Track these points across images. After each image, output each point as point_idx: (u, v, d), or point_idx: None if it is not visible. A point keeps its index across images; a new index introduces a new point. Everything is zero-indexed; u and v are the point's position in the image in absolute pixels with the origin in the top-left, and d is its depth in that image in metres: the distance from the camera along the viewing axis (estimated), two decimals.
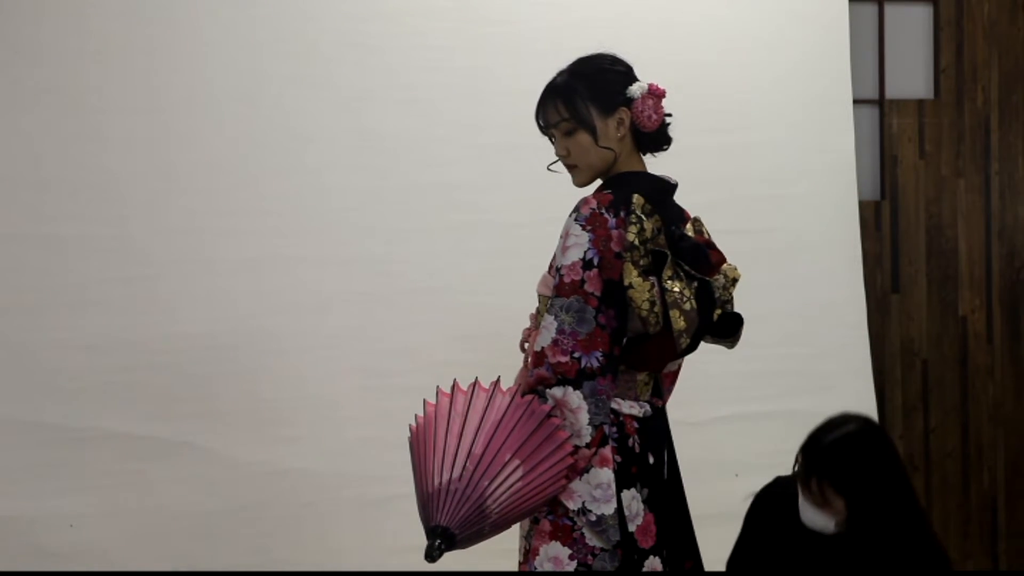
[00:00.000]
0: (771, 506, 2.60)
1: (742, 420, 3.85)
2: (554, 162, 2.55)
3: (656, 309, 2.36)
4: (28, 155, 3.45)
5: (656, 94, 2.48)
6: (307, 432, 3.55)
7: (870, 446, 2.41)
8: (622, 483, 2.35)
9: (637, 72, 2.53)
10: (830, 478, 2.39)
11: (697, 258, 2.42)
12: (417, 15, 3.69)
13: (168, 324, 3.49)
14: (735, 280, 2.58)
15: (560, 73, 2.52)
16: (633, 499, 2.36)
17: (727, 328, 2.58)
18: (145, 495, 3.44)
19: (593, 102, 2.45)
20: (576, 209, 2.39)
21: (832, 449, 2.41)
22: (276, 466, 3.53)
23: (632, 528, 2.35)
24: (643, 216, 2.37)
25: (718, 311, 2.54)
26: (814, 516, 2.45)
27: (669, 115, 2.52)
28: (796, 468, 2.48)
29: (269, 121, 3.59)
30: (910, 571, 2.40)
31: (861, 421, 2.45)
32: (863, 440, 2.42)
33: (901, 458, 2.46)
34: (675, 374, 2.62)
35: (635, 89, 2.47)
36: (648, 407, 2.47)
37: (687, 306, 2.38)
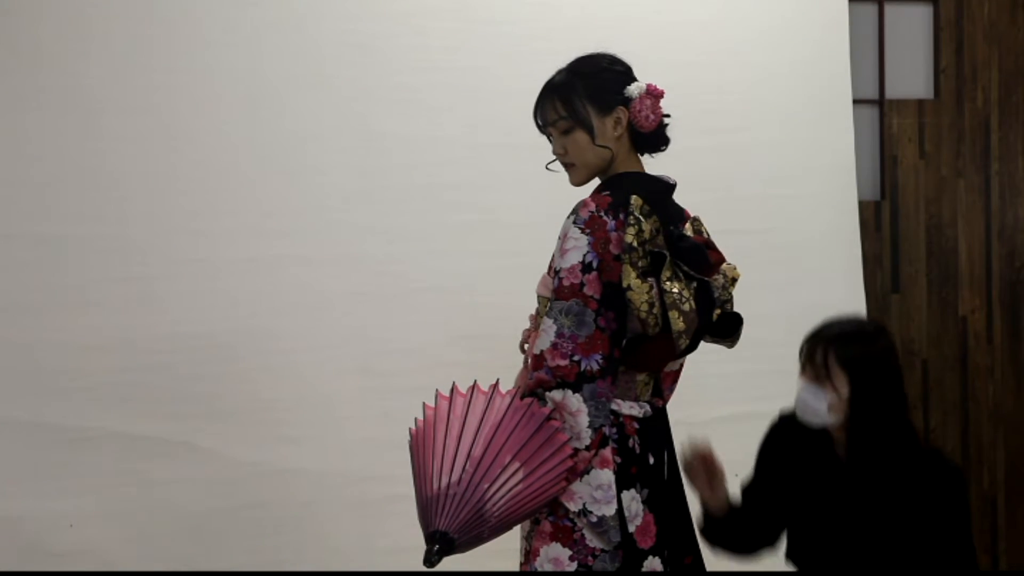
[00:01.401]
0: (780, 436, 2.60)
1: (742, 420, 3.79)
2: (552, 161, 2.55)
3: (655, 310, 2.36)
4: (28, 155, 3.45)
5: (654, 94, 2.48)
6: (307, 432, 3.55)
7: (880, 337, 2.44)
8: (622, 484, 2.35)
9: (636, 72, 2.53)
10: (836, 349, 2.38)
11: (696, 258, 2.42)
12: (417, 15, 3.69)
13: (168, 324, 3.49)
14: (734, 280, 2.59)
15: (559, 72, 2.52)
16: (633, 500, 2.36)
17: (727, 328, 2.59)
18: (145, 495, 3.44)
19: (591, 101, 2.45)
20: (575, 212, 2.38)
21: (844, 330, 2.43)
22: (276, 466, 3.53)
23: (632, 528, 2.35)
24: (641, 217, 2.37)
25: (717, 311, 2.54)
26: (810, 397, 2.41)
27: (668, 116, 2.52)
28: (800, 357, 2.47)
29: (269, 121, 3.59)
30: (915, 480, 2.40)
31: (873, 320, 2.49)
32: (875, 330, 2.46)
33: (900, 365, 2.48)
34: (676, 374, 2.62)
35: (633, 89, 2.47)
36: (648, 407, 2.47)
37: (686, 307, 2.38)
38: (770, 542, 2.59)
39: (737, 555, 2.62)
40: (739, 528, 2.57)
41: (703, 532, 2.59)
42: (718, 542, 2.60)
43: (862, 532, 2.42)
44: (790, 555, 2.56)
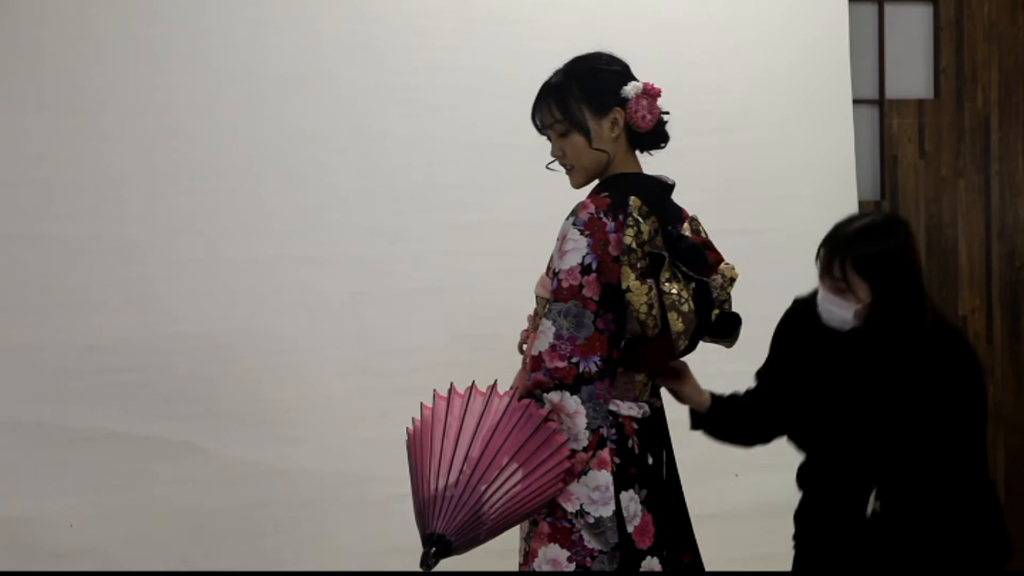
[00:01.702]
0: (795, 322, 2.62)
1: None
2: (552, 161, 2.55)
3: (654, 312, 2.36)
4: (28, 155, 3.45)
5: (651, 93, 2.47)
6: (307, 432, 3.56)
7: (894, 231, 2.44)
8: (620, 484, 2.35)
9: (636, 72, 2.52)
10: (854, 259, 2.40)
11: (695, 259, 2.42)
12: (418, 15, 3.69)
13: (168, 324, 3.49)
14: (733, 280, 2.58)
15: (555, 73, 2.51)
16: (631, 500, 2.36)
17: (725, 328, 2.58)
18: (145, 495, 3.45)
19: (586, 103, 2.44)
20: (574, 213, 2.38)
21: (857, 232, 2.43)
22: (276, 466, 3.53)
23: (630, 529, 2.35)
24: (640, 219, 2.36)
25: (716, 311, 2.53)
26: (834, 307, 2.45)
27: (666, 113, 2.51)
28: (817, 262, 2.48)
29: (269, 121, 3.60)
30: (935, 366, 2.43)
31: (885, 213, 2.50)
32: (888, 226, 2.46)
33: (919, 254, 2.50)
34: None
35: (629, 89, 2.46)
36: (647, 408, 2.47)
37: (685, 308, 2.38)
38: (785, 429, 2.63)
39: (748, 446, 2.68)
40: (748, 417, 2.62)
41: (700, 428, 2.64)
42: (726, 437, 2.66)
43: (873, 417, 2.45)
44: (793, 437, 2.61)
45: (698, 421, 2.66)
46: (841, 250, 2.42)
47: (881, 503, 2.46)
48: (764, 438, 2.67)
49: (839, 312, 2.45)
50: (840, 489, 2.52)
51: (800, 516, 2.64)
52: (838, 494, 2.52)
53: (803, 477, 2.61)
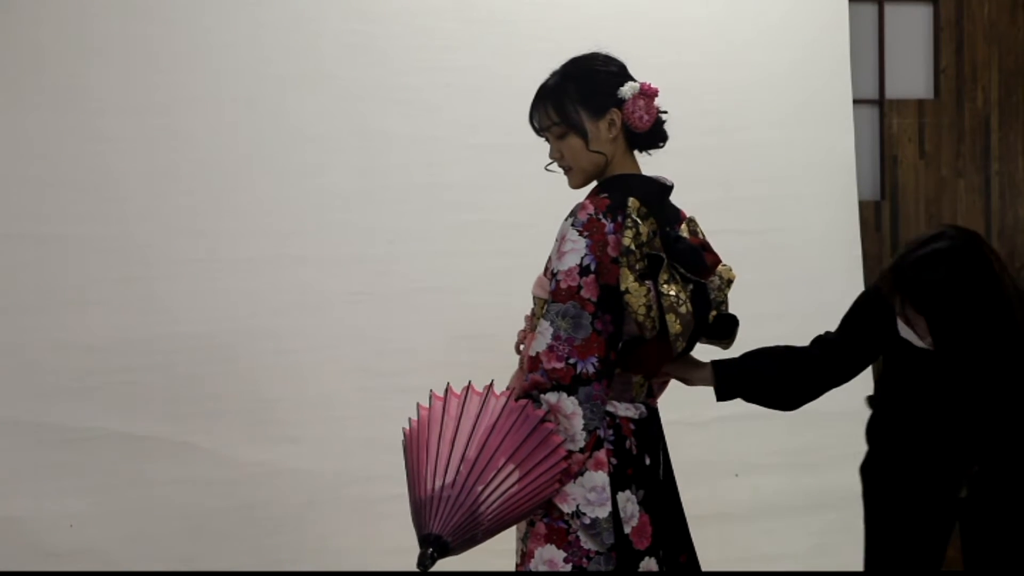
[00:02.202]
0: (876, 307, 2.56)
1: (742, 420, 3.81)
2: (551, 162, 2.55)
3: (652, 313, 2.35)
4: (28, 155, 3.46)
5: (648, 94, 2.46)
6: (307, 432, 3.56)
7: (955, 264, 2.34)
8: (618, 485, 2.34)
9: (636, 72, 2.52)
10: (910, 296, 2.37)
11: (693, 261, 2.41)
12: (417, 15, 3.70)
13: (168, 324, 3.50)
14: (730, 281, 2.58)
15: (552, 75, 2.50)
16: (628, 501, 2.36)
17: (723, 329, 2.58)
18: (145, 495, 3.45)
19: (583, 105, 2.44)
20: (573, 214, 2.38)
21: (914, 266, 2.37)
22: (276, 466, 3.53)
23: (627, 530, 2.35)
24: (639, 220, 2.36)
25: (713, 313, 2.53)
26: (908, 334, 2.46)
27: (665, 112, 2.50)
28: (885, 285, 2.45)
29: (269, 121, 3.60)
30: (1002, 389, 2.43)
31: (955, 238, 2.38)
32: (948, 258, 2.35)
33: (997, 273, 2.37)
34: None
35: (626, 90, 2.45)
36: (644, 408, 2.47)
37: (683, 309, 2.37)
38: (833, 384, 2.63)
39: (790, 408, 2.65)
40: (801, 378, 2.59)
41: (730, 398, 2.61)
42: (767, 402, 2.63)
43: (966, 411, 2.45)
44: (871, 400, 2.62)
45: (724, 392, 2.62)
46: (898, 286, 2.40)
47: (971, 488, 2.48)
48: (813, 396, 2.64)
49: (913, 339, 2.47)
50: (926, 466, 2.51)
51: (868, 470, 2.63)
52: (923, 473, 2.52)
53: (874, 433, 2.60)
